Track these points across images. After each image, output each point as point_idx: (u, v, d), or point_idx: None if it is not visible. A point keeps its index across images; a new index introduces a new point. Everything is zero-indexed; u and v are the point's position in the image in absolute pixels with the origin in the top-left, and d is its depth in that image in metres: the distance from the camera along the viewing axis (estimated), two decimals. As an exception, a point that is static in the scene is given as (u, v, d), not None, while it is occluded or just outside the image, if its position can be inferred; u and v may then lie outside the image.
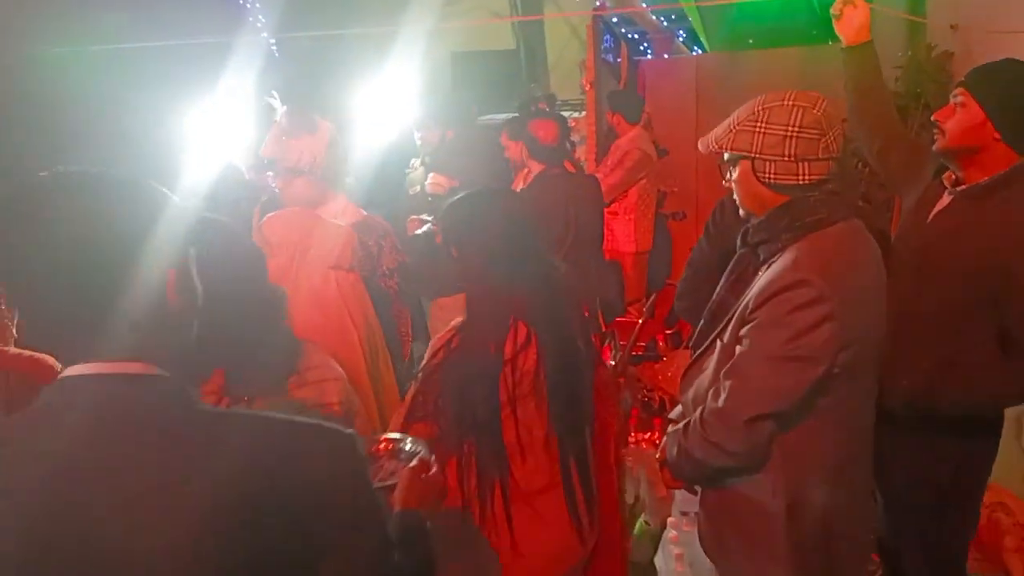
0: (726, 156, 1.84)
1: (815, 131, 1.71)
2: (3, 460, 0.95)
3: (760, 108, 1.76)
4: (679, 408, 2.12)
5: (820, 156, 1.73)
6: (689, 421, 1.85)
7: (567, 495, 1.92)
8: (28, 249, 0.94)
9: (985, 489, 2.35)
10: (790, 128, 1.71)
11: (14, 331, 2.27)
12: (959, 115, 2.14)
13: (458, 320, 1.98)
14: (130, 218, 0.97)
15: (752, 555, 1.88)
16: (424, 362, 1.96)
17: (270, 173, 3.05)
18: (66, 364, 0.98)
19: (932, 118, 2.22)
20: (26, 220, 0.94)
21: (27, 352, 2.28)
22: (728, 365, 1.77)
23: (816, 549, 1.83)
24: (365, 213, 2.93)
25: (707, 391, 1.84)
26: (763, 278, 1.76)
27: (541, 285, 1.93)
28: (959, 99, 2.15)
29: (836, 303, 1.66)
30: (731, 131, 1.79)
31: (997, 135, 2.10)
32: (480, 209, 1.98)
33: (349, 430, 1.08)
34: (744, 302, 1.78)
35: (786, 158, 1.73)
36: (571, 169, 4.22)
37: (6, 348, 2.26)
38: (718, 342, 1.86)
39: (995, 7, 4.08)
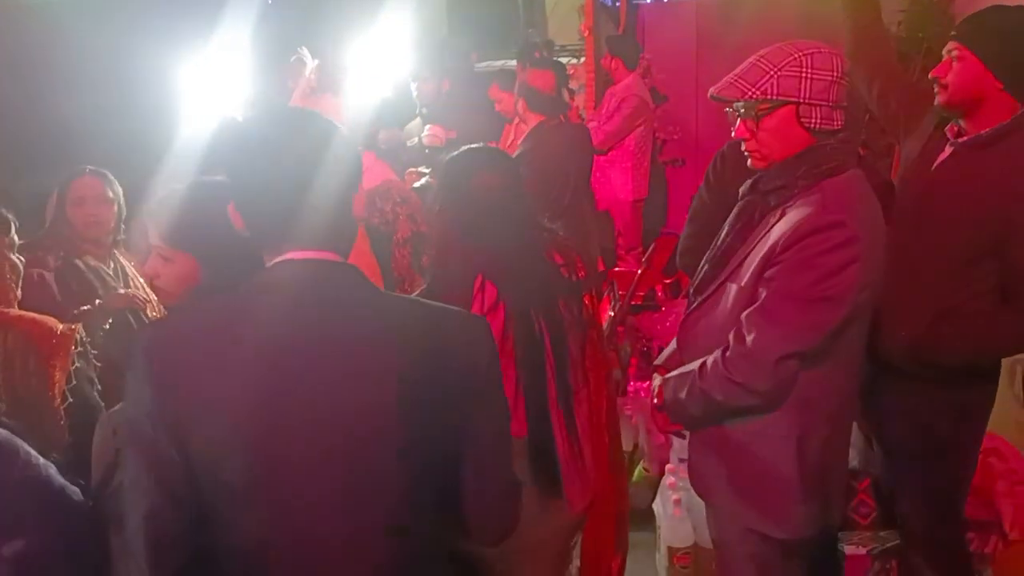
0: (741, 106, 1.81)
1: (848, 79, 1.79)
2: (241, 318, 1.23)
3: (800, 54, 1.75)
4: (668, 352, 2.15)
5: (846, 103, 1.79)
6: (704, 363, 1.87)
7: (531, 459, 1.90)
8: (263, 167, 1.24)
9: (982, 435, 2.38)
10: (835, 74, 1.75)
11: (18, 293, 2.28)
12: (958, 69, 2.12)
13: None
14: (337, 148, 1.25)
15: (755, 491, 1.93)
16: None
17: None
18: (284, 251, 1.25)
19: (931, 75, 2.19)
20: (264, 145, 1.25)
21: (28, 314, 2.30)
22: (754, 306, 1.80)
23: (817, 482, 1.90)
24: (393, 175, 2.92)
25: (721, 333, 1.86)
26: (787, 220, 1.78)
27: (518, 248, 1.92)
28: (955, 53, 2.13)
29: (864, 245, 1.72)
30: (772, 76, 1.76)
31: (999, 84, 2.09)
32: (464, 167, 1.96)
33: (484, 318, 1.36)
34: (767, 244, 1.80)
35: (829, 104, 1.76)
36: (564, 120, 4.19)
37: (9, 309, 2.28)
38: (731, 286, 1.88)
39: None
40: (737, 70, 1.82)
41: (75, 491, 1.56)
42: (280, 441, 1.18)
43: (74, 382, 2.32)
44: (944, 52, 2.18)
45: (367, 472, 1.21)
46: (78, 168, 2.76)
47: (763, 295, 1.79)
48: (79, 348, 2.37)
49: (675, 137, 6.40)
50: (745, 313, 1.82)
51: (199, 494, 1.18)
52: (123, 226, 2.83)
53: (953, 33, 2.18)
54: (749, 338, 1.78)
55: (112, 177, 2.81)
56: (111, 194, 2.78)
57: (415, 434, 1.22)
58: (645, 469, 3.49)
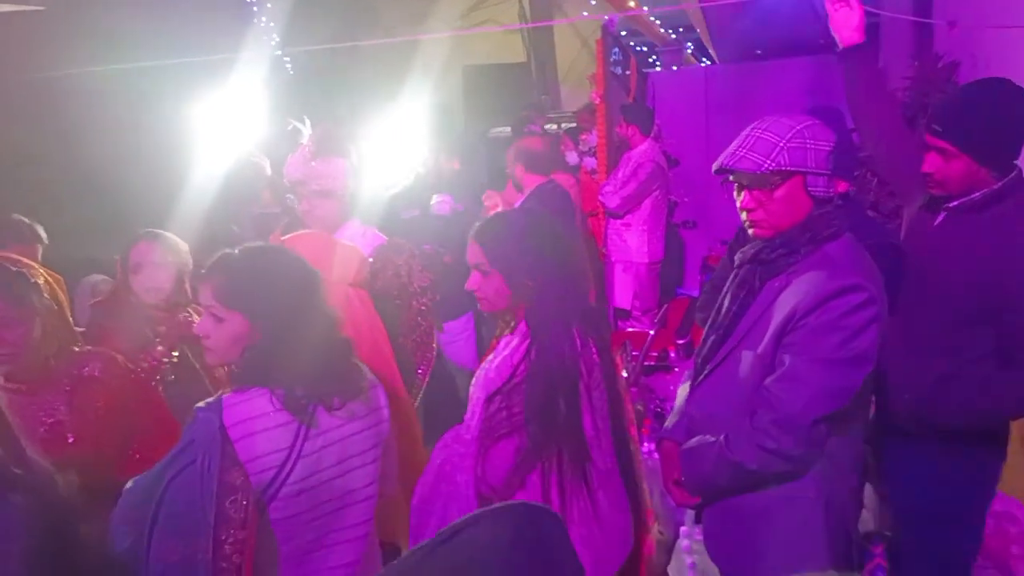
0: (748, 177, 1.85)
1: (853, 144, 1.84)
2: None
3: (800, 126, 1.82)
4: (672, 421, 2.16)
5: (840, 171, 1.86)
6: (729, 434, 1.89)
7: (624, 478, 2.10)
8: None
9: (991, 500, 2.38)
10: (831, 144, 1.83)
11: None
12: (954, 168, 2.15)
13: (511, 337, 2.06)
14: None
15: (782, 556, 1.93)
16: (497, 384, 1.99)
17: (289, 196, 3.08)
18: None
19: (923, 170, 2.22)
20: None
21: None
22: (779, 372, 1.84)
23: (843, 543, 1.93)
24: (385, 237, 2.97)
25: (738, 401, 1.90)
26: (798, 287, 1.83)
27: (584, 292, 2.12)
28: (947, 151, 2.15)
29: (879, 305, 1.79)
30: (781, 147, 1.81)
31: (989, 171, 2.15)
32: (522, 230, 2.04)
33: None
34: (781, 312, 1.84)
35: (829, 172, 1.83)
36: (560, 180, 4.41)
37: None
38: (746, 354, 1.91)
39: (995, 3, 4.10)
40: (741, 142, 1.87)
41: None
42: None
43: None
44: (932, 146, 2.19)
45: None
46: (134, 234, 2.71)
47: (787, 361, 1.83)
48: None
49: (686, 199, 6.49)
50: (770, 380, 1.85)
51: None
52: (187, 286, 2.72)
53: (938, 128, 2.17)
54: (780, 404, 1.81)
55: (171, 238, 2.72)
56: (170, 257, 2.68)
57: None
58: (660, 532, 3.46)
